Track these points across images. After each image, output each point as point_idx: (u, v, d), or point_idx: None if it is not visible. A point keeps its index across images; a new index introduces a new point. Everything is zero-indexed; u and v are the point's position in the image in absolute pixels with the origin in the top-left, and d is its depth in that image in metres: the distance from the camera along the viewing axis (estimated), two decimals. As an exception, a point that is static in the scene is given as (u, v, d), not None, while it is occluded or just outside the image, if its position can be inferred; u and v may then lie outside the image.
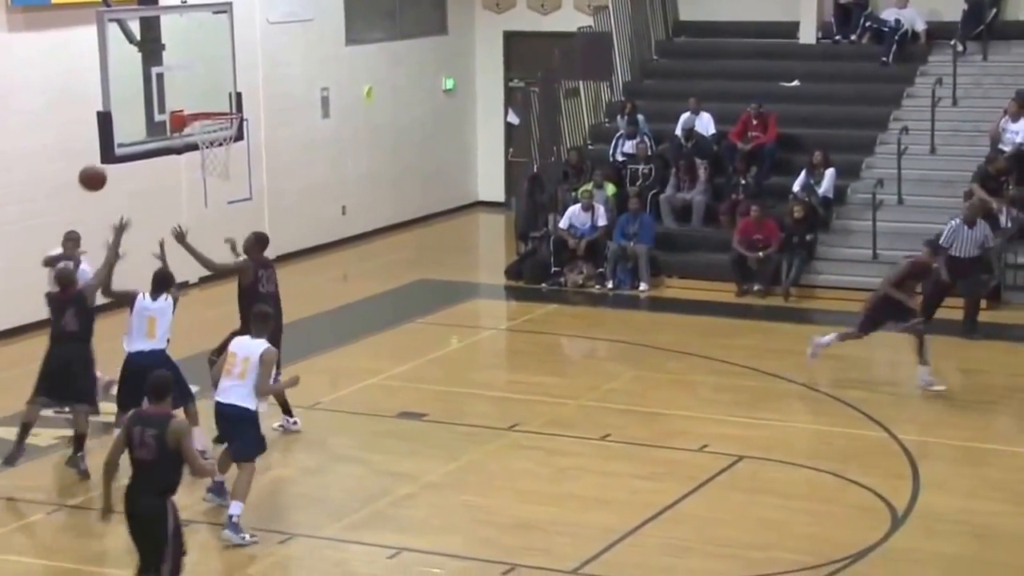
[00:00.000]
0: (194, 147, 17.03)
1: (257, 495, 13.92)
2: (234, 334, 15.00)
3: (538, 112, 26.55)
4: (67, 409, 15.94)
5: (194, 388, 15.77)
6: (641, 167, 25.12)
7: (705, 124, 25.56)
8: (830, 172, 23.76)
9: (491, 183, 31.42)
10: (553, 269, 24.26)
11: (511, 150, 30.85)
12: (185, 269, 18.55)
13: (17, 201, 21.26)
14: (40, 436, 16.63)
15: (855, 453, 15.94)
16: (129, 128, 16.19)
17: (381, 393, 18.28)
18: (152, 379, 11.64)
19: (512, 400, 18.19)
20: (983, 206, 21.48)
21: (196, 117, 16.82)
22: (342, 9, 27.45)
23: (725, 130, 25.38)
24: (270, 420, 15.76)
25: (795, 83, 26.84)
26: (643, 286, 23.66)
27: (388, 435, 16.73)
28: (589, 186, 24.69)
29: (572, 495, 14.78)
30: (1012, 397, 18.39)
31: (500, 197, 31.14)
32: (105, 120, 15.85)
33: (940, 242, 20.24)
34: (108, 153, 16.06)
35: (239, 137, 17.56)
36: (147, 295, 15.42)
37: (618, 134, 25.99)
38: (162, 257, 16.00)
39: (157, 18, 16.82)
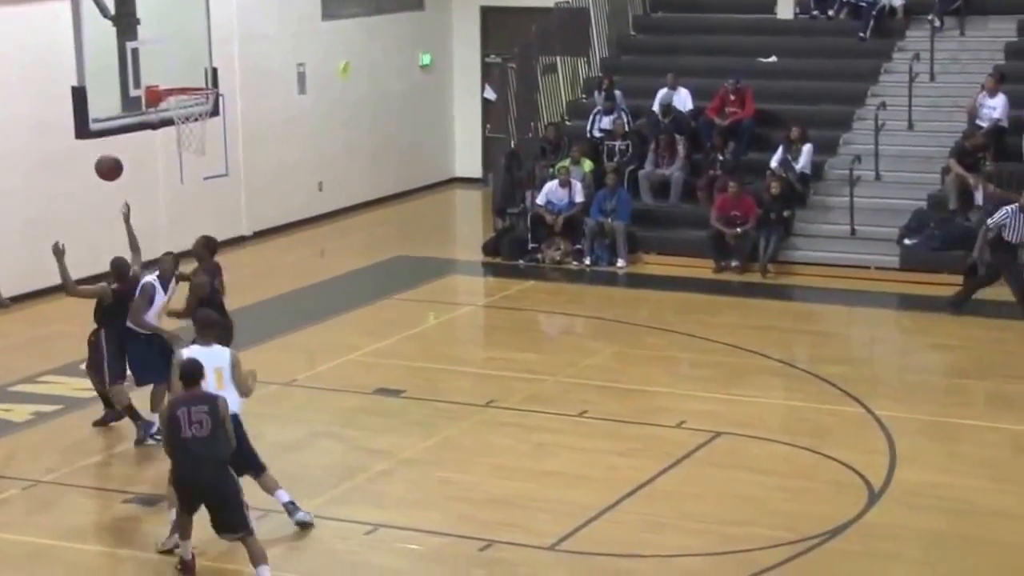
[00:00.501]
0: (170, 122, 16.92)
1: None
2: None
3: (515, 88, 26.48)
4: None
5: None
6: (618, 143, 25.07)
7: (683, 100, 25.51)
8: (807, 148, 23.75)
9: (468, 159, 31.37)
10: (530, 245, 24.22)
11: (488, 126, 30.77)
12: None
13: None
14: (14, 412, 16.61)
15: (832, 429, 15.95)
16: (104, 103, 16.08)
17: (358, 369, 18.24)
18: (185, 367, 12.27)
19: (489, 376, 18.17)
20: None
21: (171, 92, 16.71)
22: (318, -16, 27.39)
23: (703, 106, 25.35)
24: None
25: (772, 59, 26.83)
26: (620, 262, 23.64)
27: (365, 411, 16.71)
28: (566, 162, 24.65)
29: (549, 471, 14.77)
30: (988, 373, 18.38)
31: (477, 173, 31.10)
32: (80, 95, 15.74)
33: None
34: (83, 128, 15.95)
35: (215, 112, 17.46)
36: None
37: (595, 110, 25.94)
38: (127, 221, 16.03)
39: (132, -8, 16.71)
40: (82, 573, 12.83)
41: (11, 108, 21.30)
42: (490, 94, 29.77)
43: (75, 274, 15.74)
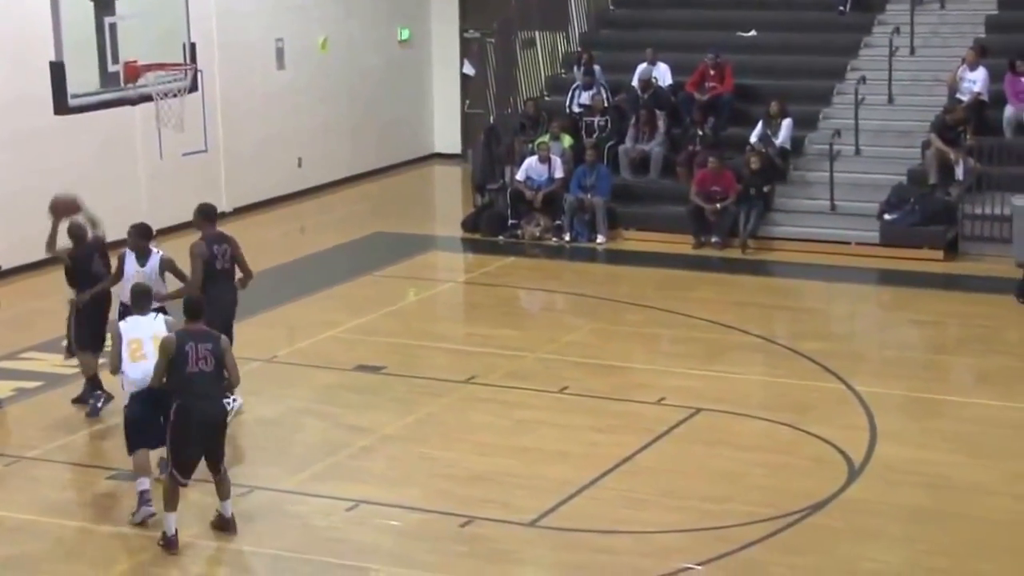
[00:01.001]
0: (148, 98, 16.86)
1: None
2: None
3: (494, 63, 26.44)
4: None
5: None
6: (597, 119, 25.04)
7: (662, 75, 25.49)
8: (787, 122, 23.75)
9: (447, 135, 31.35)
10: (510, 221, 24.20)
11: (467, 102, 30.79)
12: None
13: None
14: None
15: (812, 405, 15.96)
16: (82, 78, 16.01)
17: (338, 346, 18.22)
18: (188, 301, 12.67)
19: (470, 353, 18.15)
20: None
21: (150, 68, 16.64)
22: (297, -41, 27.30)
23: (682, 81, 25.32)
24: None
25: (752, 33, 26.81)
26: (600, 238, 23.63)
27: (345, 388, 16.69)
28: (546, 138, 24.63)
29: (530, 448, 14.76)
30: (968, 348, 18.44)
31: (456, 149, 31.08)
32: (58, 70, 15.67)
33: None
34: (61, 104, 15.89)
35: (194, 88, 17.42)
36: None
37: (575, 85, 25.91)
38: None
39: (110, -34, 16.62)
40: (65, 548, 12.79)
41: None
42: (469, 69, 29.77)
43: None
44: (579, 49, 27.21)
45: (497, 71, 26.46)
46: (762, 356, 18.02)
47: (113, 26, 16.27)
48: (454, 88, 31.08)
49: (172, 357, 12.22)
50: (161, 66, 16.88)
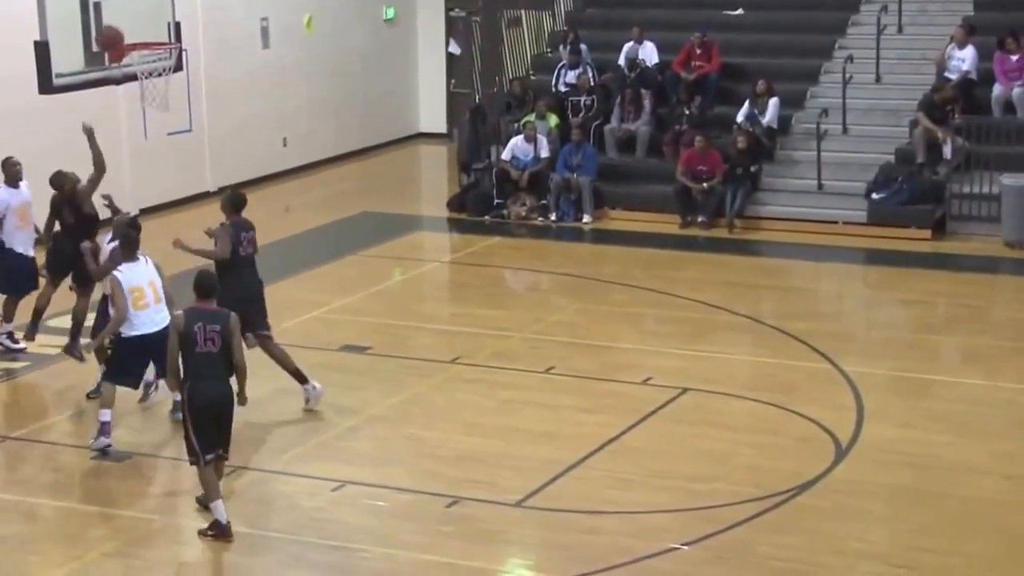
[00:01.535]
0: (133, 78, 16.78)
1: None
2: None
3: (480, 42, 26.37)
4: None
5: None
6: (584, 98, 24.97)
7: (649, 53, 25.42)
8: (774, 101, 23.69)
9: (432, 114, 31.28)
10: (496, 201, 24.14)
11: (453, 81, 30.71)
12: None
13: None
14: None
15: (799, 385, 15.93)
16: (67, 58, 15.94)
17: (324, 326, 18.17)
18: (200, 278, 12.44)
19: (455, 333, 18.11)
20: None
21: (135, 47, 16.57)
22: (281, -64, 27.18)
23: (669, 60, 25.25)
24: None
25: (739, 11, 26.74)
26: (586, 218, 23.58)
27: (331, 368, 16.61)
28: (531, 117, 24.56)
29: (516, 428, 14.72)
30: (955, 328, 18.44)
31: (442, 128, 31.01)
32: (42, 49, 15.59)
33: None
34: (46, 83, 15.82)
35: (178, 68, 17.33)
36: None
37: (560, 64, 25.83)
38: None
39: (95, -56, 16.53)
40: (50, 529, 12.77)
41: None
42: (454, 48, 29.71)
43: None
44: (565, 28, 27.13)
45: (483, 50, 26.37)
46: (749, 336, 17.99)
47: (98, 5, 16.20)
48: (439, 67, 31.00)
49: (181, 334, 12.13)
50: (146, 45, 16.82)
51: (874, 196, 22.40)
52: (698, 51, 24.95)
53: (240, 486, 13.24)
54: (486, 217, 24.01)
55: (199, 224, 16.40)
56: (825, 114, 23.45)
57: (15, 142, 21.26)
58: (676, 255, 21.66)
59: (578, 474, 13.58)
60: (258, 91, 26.75)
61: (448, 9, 30.73)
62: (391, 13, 30.31)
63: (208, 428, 12.20)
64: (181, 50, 17.42)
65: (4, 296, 17.00)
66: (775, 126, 23.78)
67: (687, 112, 24.27)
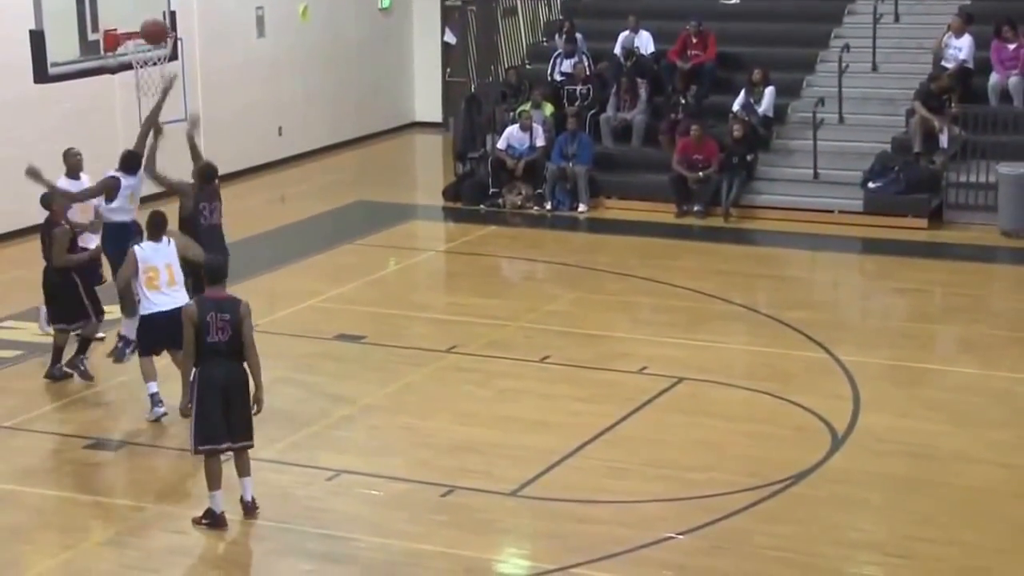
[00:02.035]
0: (128, 67, 16.75)
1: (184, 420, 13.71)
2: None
3: (475, 31, 26.30)
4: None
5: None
6: (579, 87, 24.92)
7: (645, 42, 25.37)
8: (770, 90, 23.65)
9: (428, 103, 31.23)
10: (491, 190, 24.09)
11: (448, 70, 30.66)
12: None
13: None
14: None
15: (795, 374, 15.90)
16: (62, 47, 15.90)
17: (319, 315, 18.13)
18: (211, 263, 12.69)
19: (451, 322, 18.08)
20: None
21: (130, 36, 16.54)
22: (277, -75, 27.11)
23: (665, 49, 25.19)
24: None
25: (735, 0, 26.66)
26: (582, 207, 23.54)
27: (326, 357, 16.60)
28: (527, 106, 24.51)
29: (511, 417, 14.69)
30: (952, 317, 18.42)
31: (437, 117, 30.97)
32: (38, 39, 15.56)
33: None
34: (41, 72, 15.79)
35: (173, 57, 17.29)
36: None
37: (556, 53, 25.78)
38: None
39: (90, -67, 16.48)
40: (42, 517, 12.73)
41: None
42: (450, 37, 29.65)
43: (30, 220, 15.64)
44: (561, 17, 27.08)
45: (478, 39, 26.31)
46: (745, 325, 17.95)
47: (93, -6, 16.17)
48: (435, 56, 30.95)
49: (195, 324, 12.14)
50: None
51: (870, 185, 22.36)
52: (694, 40, 24.89)
53: (233, 475, 13.18)
54: (481, 206, 23.96)
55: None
56: (821, 103, 23.39)
57: (10, 131, 21.28)
58: (672, 244, 21.62)
59: (573, 463, 13.55)
60: (253, 80, 26.69)
61: (444, -2, 30.71)
62: (387, 2, 30.25)
63: (213, 413, 12.13)
64: (176, 39, 17.37)
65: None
66: (771, 115, 23.73)
67: (683, 101, 24.21)
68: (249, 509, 12.44)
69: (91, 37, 16.24)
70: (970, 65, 23.29)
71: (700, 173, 22.91)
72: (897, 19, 25.17)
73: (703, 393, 15.36)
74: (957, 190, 22.28)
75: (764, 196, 23.11)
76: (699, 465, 13.45)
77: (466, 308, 18.64)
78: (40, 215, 15.76)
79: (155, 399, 14.48)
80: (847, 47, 24.16)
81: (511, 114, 24.73)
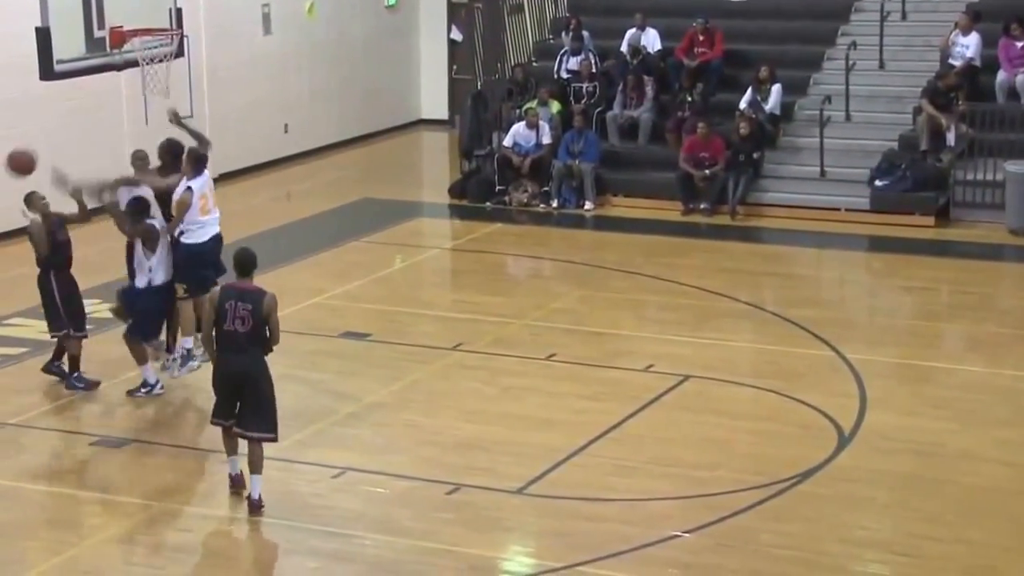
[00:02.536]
0: (134, 64, 16.74)
1: (199, 416, 13.79)
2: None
3: (482, 28, 26.27)
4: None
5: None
6: (586, 84, 24.89)
7: (651, 40, 25.34)
8: (776, 88, 23.62)
9: (434, 101, 31.21)
10: (497, 188, 24.07)
11: (454, 67, 30.63)
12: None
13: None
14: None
15: (802, 372, 15.87)
16: (68, 44, 15.88)
17: (324, 312, 18.12)
18: (240, 255, 12.57)
19: (456, 320, 18.05)
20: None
21: (136, 33, 16.53)
22: (283, -78, 27.09)
23: (671, 46, 25.16)
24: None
25: (742, -2, 26.66)
26: (588, 205, 23.51)
27: (331, 355, 16.59)
28: (534, 103, 24.48)
29: (517, 415, 14.67)
30: (959, 315, 18.40)
31: (443, 115, 30.94)
32: (44, 36, 15.54)
33: None
34: (47, 70, 15.77)
35: (180, 54, 17.28)
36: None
37: (563, 51, 25.75)
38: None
39: (96, -70, 16.46)
40: (47, 515, 12.74)
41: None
42: (456, 35, 29.61)
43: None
44: (567, 14, 27.04)
45: (484, 36, 26.28)
46: (751, 323, 17.92)
47: (99, -9, 16.15)
48: (441, 54, 30.92)
49: (213, 311, 12.41)
50: (147, 31, 16.77)
51: (877, 183, 22.32)
52: (701, 37, 24.86)
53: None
54: (487, 203, 23.94)
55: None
56: (828, 101, 23.36)
57: (16, 128, 21.24)
58: (678, 242, 21.59)
59: (579, 461, 13.53)
60: (260, 77, 26.68)
61: (449, -5, 30.69)
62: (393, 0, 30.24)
63: (225, 398, 12.50)
64: (183, 36, 17.35)
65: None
66: (778, 112, 23.69)
67: (690, 99, 24.18)
68: (254, 507, 12.44)
69: (97, 34, 16.23)
70: (977, 63, 23.25)
71: (706, 171, 22.88)
72: (904, 17, 25.13)
73: (709, 391, 15.33)
74: (964, 188, 22.23)
75: (771, 194, 23.08)
76: (705, 463, 13.42)
77: (472, 306, 18.62)
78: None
79: (191, 354, 15.15)
80: (854, 45, 24.13)
81: (517, 111, 24.71)
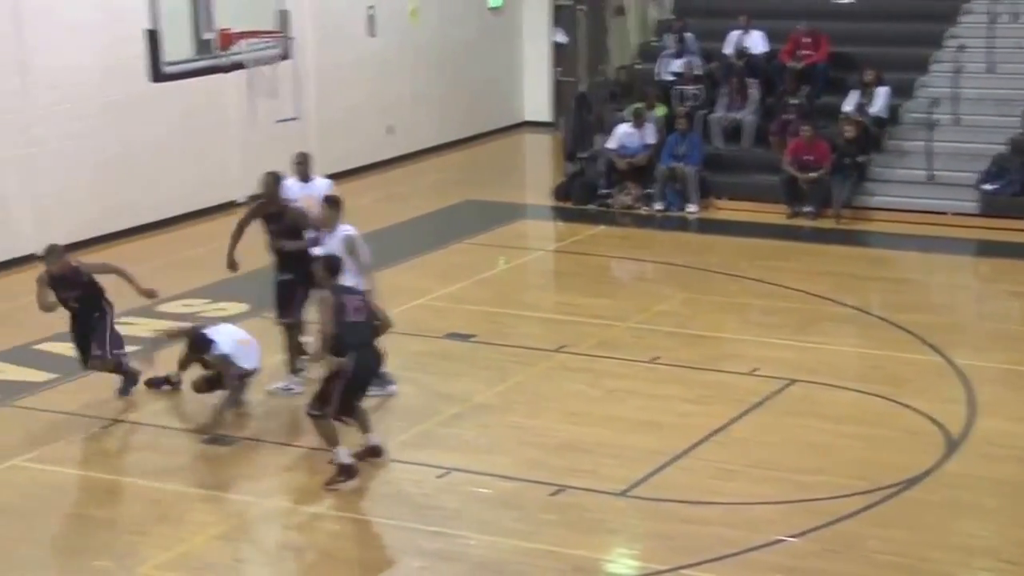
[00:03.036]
0: (241, 66, 16.93)
1: (304, 417, 13.83)
2: None
3: (585, 30, 26.27)
4: None
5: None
6: (690, 87, 24.84)
7: (756, 42, 25.23)
8: (883, 91, 23.44)
9: (537, 103, 31.25)
10: (601, 190, 24.05)
11: (559, 69, 30.64)
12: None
13: (65, 119, 21.00)
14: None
15: (908, 377, 15.73)
16: (176, 46, 16.10)
17: (429, 313, 18.19)
18: (328, 258, 13.47)
19: (560, 321, 18.07)
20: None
21: (243, 36, 16.72)
22: (388, -74, 27.23)
23: (776, 48, 25.05)
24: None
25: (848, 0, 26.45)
26: (692, 207, 23.44)
27: (436, 356, 16.65)
28: (641, 105, 24.43)
29: (620, 417, 14.66)
30: (1069, 321, 18.20)
31: (546, 117, 30.96)
32: (153, 38, 15.75)
33: None
34: (156, 71, 15.98)
35: (286, 56, 17.45)
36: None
37: (666, 52, 25.70)
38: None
39: (205, -65, 16.68)
40: (160, 511, 12.84)
41: (85, 50, 21.14)
42: (560, 37, 29.62)
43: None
44: (671, 16, 26.99)
45: (588, 38, 26.28)
46: (856, 327, 17.80)
47: (207, -5, 16.36)
48: (544, 56, 30.95)
49: (333, 307, 12.87)
50: (254, 34, 16.96)
51: (986, 187, 22.09)
52: (806, 40, 24.72)
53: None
54: (591, 206, 23.94)
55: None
56: (936, 104, 23.15)
57: (124, 130, 21.53)
58: (782, 245, 21.48)
59: (683, 464, 13.50)
60: (364, 79, 26.84)
61: (554, -2, 30.71)
62: (496, 2, 30.30)
63: (357, 391, 13.12)
64: (289, 39, 17.51)
65: None
66: (884, 115, 23.51)
67: (794, 101, 24.05)
68: (378, 451, 13.38)
69: (205, 36, 16.45)
70: (1088, 67, 22.98)
71: (811, 174, 22.74)
72: (1017, 18, 24.79)
73: (814, 395, 15.24)
74: (1074, 192, 21.98)
75: (877, 198, 22.90)
76: (810, 468, 13.34)
77: (575, 308, 18.62)
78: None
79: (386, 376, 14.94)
80: (962, 47, 23.90)
81: (620, 113, 24.68)
